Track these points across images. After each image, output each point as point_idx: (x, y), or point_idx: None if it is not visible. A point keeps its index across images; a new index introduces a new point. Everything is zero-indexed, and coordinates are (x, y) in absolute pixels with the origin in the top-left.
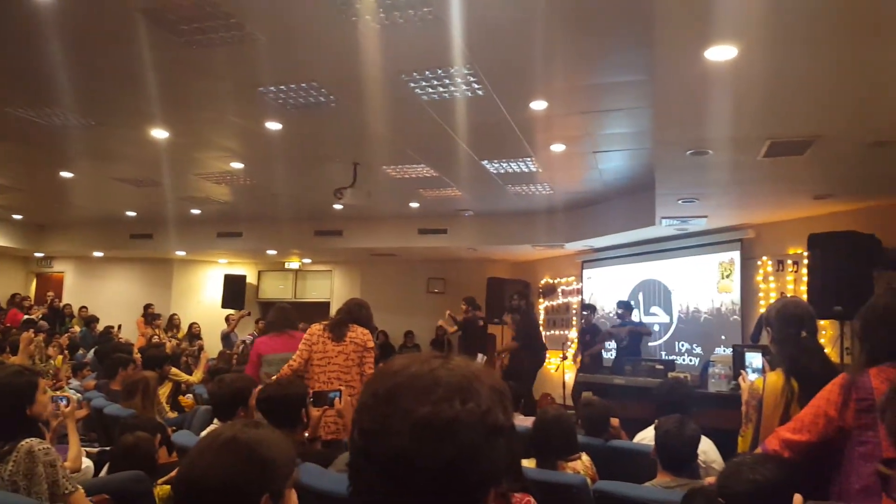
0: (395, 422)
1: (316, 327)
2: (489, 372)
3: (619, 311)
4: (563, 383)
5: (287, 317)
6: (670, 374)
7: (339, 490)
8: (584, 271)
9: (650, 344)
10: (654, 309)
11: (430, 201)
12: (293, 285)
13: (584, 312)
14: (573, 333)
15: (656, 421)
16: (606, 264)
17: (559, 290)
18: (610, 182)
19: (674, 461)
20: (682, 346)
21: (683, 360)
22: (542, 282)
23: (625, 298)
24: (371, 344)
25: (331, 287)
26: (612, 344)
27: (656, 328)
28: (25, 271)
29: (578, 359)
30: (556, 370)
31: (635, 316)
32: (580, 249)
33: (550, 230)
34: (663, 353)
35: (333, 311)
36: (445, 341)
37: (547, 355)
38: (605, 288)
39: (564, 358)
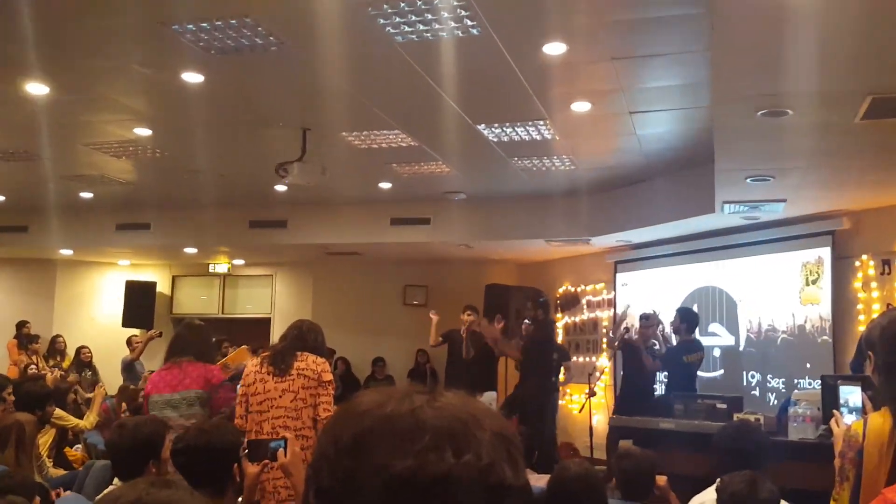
0: (363, 480)
1: (251, 364)
2: (492, 413)
3: (675, 320)
4: (591, 428)
5: (189, 339)
6: (736, 416)
7: None
8: (618, 276)
9: (708, 375)
10: (713, 327)
11: (408, 181)
12: (220, 296)
13: (644, 321)
14: (603, 361)
15: (718, 480)
16: (647, 266)
17: (583, 301)
18: (653, 154)
19: None
20: (753, 377)
21: (754, 396)
22: (561, 290)
23: (684, 307)
24: (328, 376)
25: (271, 298)
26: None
27: (716, 353)
28: None
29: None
30: (581, 411)
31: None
32: (612, 246)
33: (571, 220)
34: (726, 385)
35: (276, 330)
36: (428, 371)
37: (559, 385)
38: (646, 298)
39: (592, 394)
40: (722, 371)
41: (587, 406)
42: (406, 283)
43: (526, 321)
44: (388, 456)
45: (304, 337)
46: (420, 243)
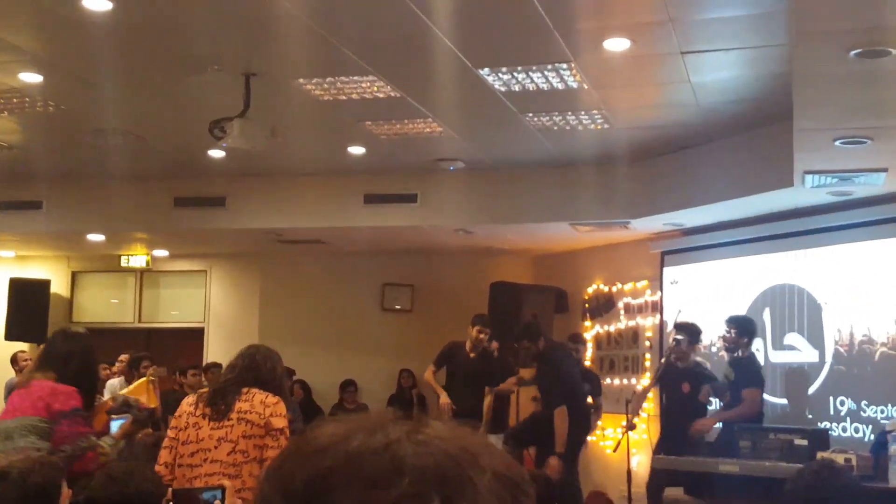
0: None
1: (186, 403)
2: (493, 449)
3: (731, 333)
4: (629, 473)
5: (59, 351)
6: (819, 456)
7: None
8: (666, 270)
9: (779, 401)
10: (790, 338)
11: (387, 145)
12: (136, 298)
13: (678, 337)
14: (647, 383)
15: None
16: (704, 257)
17: (620, 304)
18: (711, 108)
19: None
20: (842, 403)
21: (843, 429)
22: (591, 290)
23: (741, 314)
24: (280, 422)
25: (205, 301)
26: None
27: (794, 373)
28: None
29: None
30: (616, 449)
31: (758, 349)
32: (658, 232)
33: (604, 197)
34: (808, 415)
35: (211, 345)
36: (415, 398)
37: (597, 420)
38: (703, 299)
39: (630, 427)
40: (803, 395)
41: (624, 443)
42: (385, 281)
43: (525, 349)
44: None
45: (256, 367)
46: (404, 228)
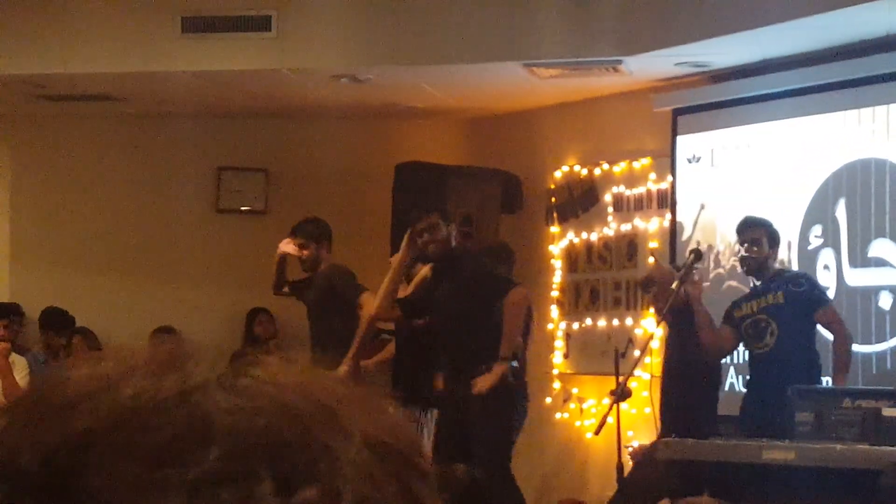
0: None
1: None
2: (367, 400)
3: (759, 244)
4: (619, 466)
5: None
6: None
7: None
8: (681, 141)
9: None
10: (879, 248)
11: None
12: None
13: (693, 262)
14: (651, 326)
15: None
16: (742, 120)
17: (607, 197)
18: None
19: None
20: None
21: None
22: (559, 174)
23: (766, 218)
24: None
25: None
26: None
27: (883, 302)
28: None
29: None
30: (598, 431)
31: (802, 263)
32: (668, 76)
33: (579, 20)
34: None
35: None
36: (272, 350)
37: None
38: (740, 187)
39: (622, 396)
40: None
41: (615, 419)
42: (221, 163)
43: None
44: (131, 491)
45: None
46: (250, 75)
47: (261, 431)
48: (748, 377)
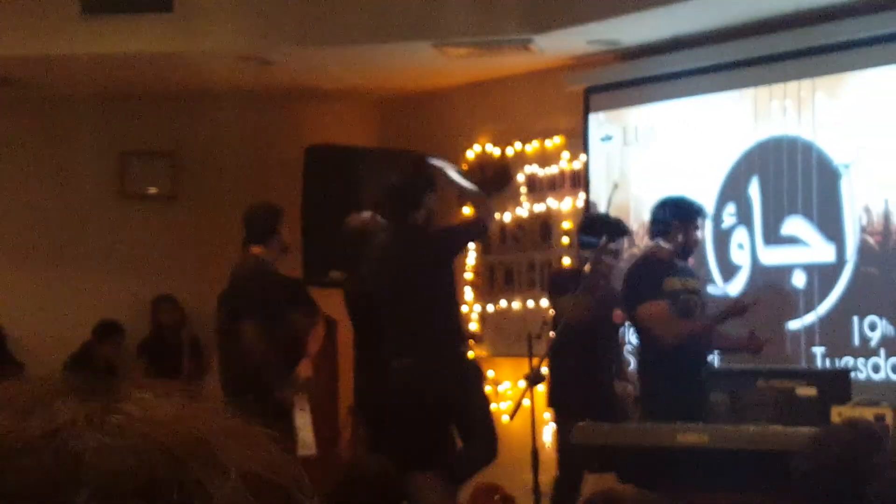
0: None
1: None
2: (249, 435)
3: (700, 230)
4: (534, 452)
5: None
6: (836, 412)
7: None
8: (593, 119)
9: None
10: (792, 225)
11: None
12: None
13: (612, 244)
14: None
15: None
16: (655, 97)
17: (520, 177)
18: None
19: None
20: (872, 327)
21: (875, 366)
22: (471, 154)
23: (687, 196)
24: None
25: None
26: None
27: (797, 280)
28: None
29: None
30: (513, 416)
31: (716, 241)
32: (579, 54)
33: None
34: (818, 347)
35: None
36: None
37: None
38: (654, 166)
39: (536, 380)
40: (809, 319)
41: (531, 403)
42: (126, 148)
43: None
44: None
45: None
46: (152, 57)
47: (132, 471)
48: (656, 357)
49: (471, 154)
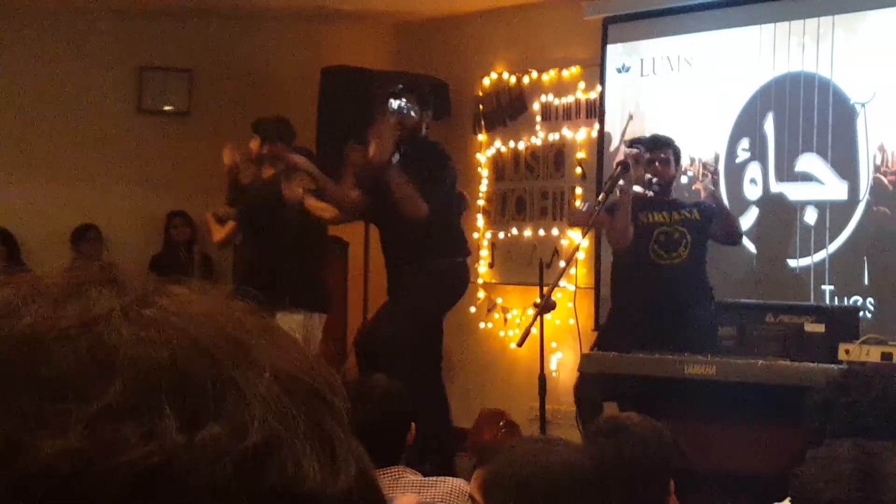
0: None
1: None
2: (278, 334)
3: (666, 160)
4: (542, 378)
5: None
6: (843, 348)
7: None
8: (610, 50)
9: (793, 263)
10: (806, 162)
11: None
12: None
13: (630, 154)
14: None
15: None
16: (672, 29)
17: (535, 105)
18: None
19: None
20: (885, 269)
21: (889, 304)
22: (487, 81)
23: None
24: None
25: None
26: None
27: (809, 216)
28: None
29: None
30: (521, 343)
31: (729, 176)
32: None
33: None
34: (828, 286)
35: None
36: (196, 259)
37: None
38: (669, 99)
39: (546, 308)
40: (818, 256)
41: (541, 331)
42: (143, 63)
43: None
44: (28, 423)
45: None
46: None
47: (166, 364)
48: (639, 288)
49: (486, 81)
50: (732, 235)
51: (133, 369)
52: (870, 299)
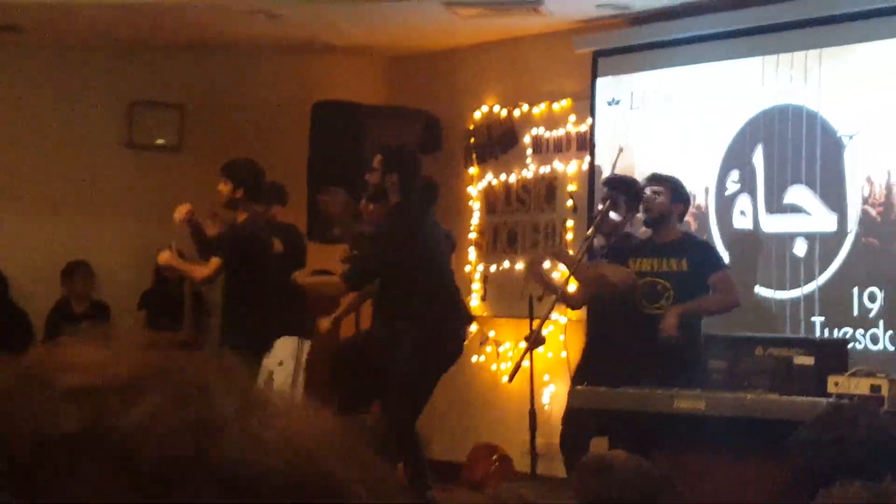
0: None
1: None
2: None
3: (658, 197)
4: (532, 413)
5: None
6: (832, 380)
7: None
8: (601, 83)
9: (771, 295)
10: (794, 194)
11: None
12: None
13: (611, 198)
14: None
15: None
16: (662, 62)
17: (526, 138)
18: None
19: None
20: (871, 298)
21: (873, 338)
22: (478, 115)
23: (674, 176)
24: None
25: None
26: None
27: (798, 248)
28: None
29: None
30: (512, 378)
31: (719, 208)
32: (588, 17)
33: None
34: (818, 317)
35: None
36: (187, 296)
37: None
38: (659, 131)
39: (536, 342)
40: (811, 285)
41: (531, 365)
42: (135, 98)
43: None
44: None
45: None
46: (162, 6)
47: (279, 487)
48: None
49: (478, 114)
50: (730, 310)
51: (246, 490)
52: (859, 330)
